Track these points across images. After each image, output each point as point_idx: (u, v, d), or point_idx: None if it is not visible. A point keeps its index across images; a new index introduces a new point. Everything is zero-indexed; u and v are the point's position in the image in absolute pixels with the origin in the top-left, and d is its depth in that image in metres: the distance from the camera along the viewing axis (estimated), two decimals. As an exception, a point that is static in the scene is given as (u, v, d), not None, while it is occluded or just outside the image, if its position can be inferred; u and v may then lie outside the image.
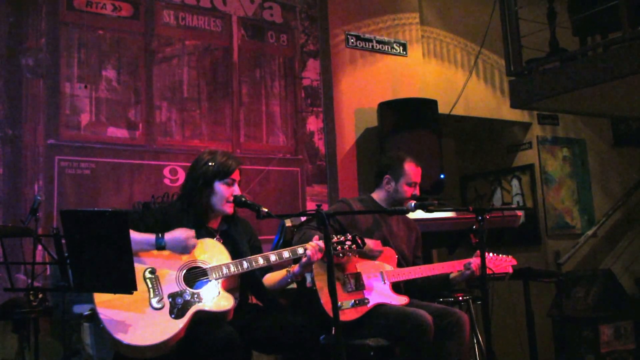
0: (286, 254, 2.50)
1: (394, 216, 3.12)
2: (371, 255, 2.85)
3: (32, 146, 3.48)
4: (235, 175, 2.56)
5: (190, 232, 2.40)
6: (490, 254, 3.07)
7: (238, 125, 4.16)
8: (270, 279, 2.61)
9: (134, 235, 2.29)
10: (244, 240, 2.61)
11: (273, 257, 2.48)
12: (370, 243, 2.82)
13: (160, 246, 2.36)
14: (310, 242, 2.51)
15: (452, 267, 3.01)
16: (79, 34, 3.69)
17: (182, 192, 2.63)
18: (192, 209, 2.53)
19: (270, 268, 2.62)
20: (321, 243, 2.47)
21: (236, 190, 2.56)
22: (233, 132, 4.14)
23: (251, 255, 2.50)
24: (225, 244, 2.53)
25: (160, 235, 2.37)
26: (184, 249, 2.39)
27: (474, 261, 2.90)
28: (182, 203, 2.57)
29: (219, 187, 2.52)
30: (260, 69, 4.29)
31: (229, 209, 2.55)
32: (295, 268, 2.53)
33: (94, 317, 2.33)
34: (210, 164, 2.53)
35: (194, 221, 2.52)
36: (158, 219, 2.50)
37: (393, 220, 3.11)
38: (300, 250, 2.51)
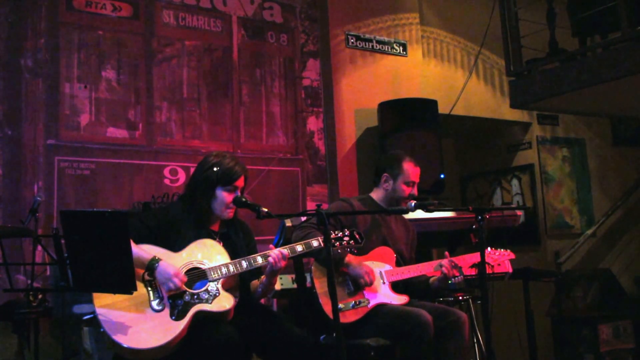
0: (285, 251, 2.48)
1: (392, 216, 3.11)
2: (361, 280, 2.79)
3: (31, 146, 3.48)
4: (239, 183, 2.54)
5: (180, 277, 2.31)
6: (489, 249, 3.07)
7: (238, 125, 4.16)
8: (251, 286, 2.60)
9: (132, 247, 2.26)
10: (243, 245, 2.61)
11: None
12: (362, 269, 2.78)
13: (151, 267, 2.31)
14: (272, 250, 2.47)
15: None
16: (79, 34, 3.69)
17: (184, 193, 2.63)
18: (193, 211, 2.53)
19: (260, 274, 2.60)
20: (284, 251, 2.45)
21: None
22: (233, 132, 4.14)
23: None
24: (225, 246, 2.53)
25: (156, 258, 2.32)
26: (165, 283, 2.30)
27: (445, 263, 2.87)
28: (183, 204, 2.57)
29: (221, 193, 2.51)
30: (260, 69, 4.29)
31: (228, 214, 2.54)
32: (264, 279, 2.50)
33: (94, 321, 2.32)
34: (215, 168, 2.50)
35: (195, 222, 2.52)
36: (160, 220, 2.49)
37: (392, 220, 3.11)
38: (299, 248, 2.49)
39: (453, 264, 2.89)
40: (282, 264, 2.44)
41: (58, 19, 3.64)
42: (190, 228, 2.50)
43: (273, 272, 2.45)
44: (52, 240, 2.44)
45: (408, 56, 4.94)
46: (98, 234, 2.14)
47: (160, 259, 2.33)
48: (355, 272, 2.79)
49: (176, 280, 2.30)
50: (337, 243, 2.60)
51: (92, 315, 2.65)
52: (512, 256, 3.14)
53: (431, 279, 2.99)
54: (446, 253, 2.95)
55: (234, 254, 2.51)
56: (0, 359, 3.13)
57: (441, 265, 2.89)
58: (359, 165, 4.58)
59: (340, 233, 2.63)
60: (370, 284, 2.80)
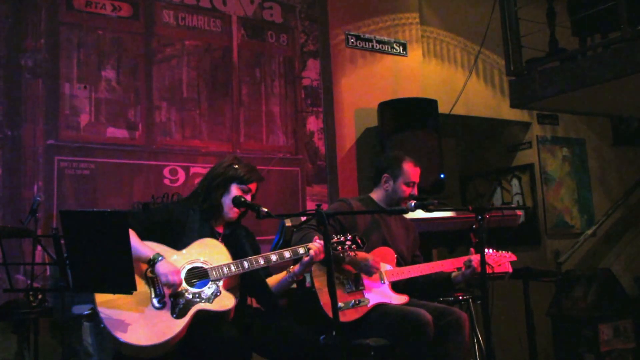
0: (287, 254, 2.51)
1: (392, 216, 3.12)
2: (366, 270, 2.79)
3: (31, 147, 3.48)
4: (253, 186, 2.60)
5: (179, 276, 2.33)
6: (490, 250, 3.08)
7: (238, 125, 4.16)
8: (271, 280, 2.62)
9: (136, 242, 2.29)
10: (247, 247, 2.62)
11: (274, 257, 2.49)
12: (368, 261, 2.78)
13: (151, 263, 2.32)
14: (313, 242, 2.52)
15: (451, 265, 3.01)
16: (79, 34, 3.69)
17: (195, 190, 2.65)
18: (202, 204, 2.54)
19: (269, 272, 2.62)
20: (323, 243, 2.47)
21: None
22: (233, 132, 4.14)
23: None
24: (227, 247, 2.54)
25: (159, 254, 2.33)
26: (166, 278, 2.31)
27: (475, 258, 2.90)
28: (190, 203, 2.59)
29: (234, 189, 2.55)
30: (260, 69, 4.29)
31: (234, 214, 2.57)
32: (296, 268, 2.54)
33: (94, 316, 2.33)
34: (235, 166, 2.59)
35: (200, 221, 2.53)
36: (165, 216, 2.51)
37: (392, 220, 3.11)
38: (301, 250, 2.52)
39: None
40: (322, 256, 2.49)
41: (58, 19, 3.64)
42: (194, 227, 2.51)
43: (311, 263, 2.52)
44: (51, 240, 2.44)
45: (408, 56, 4.94)
46: (98, 234, 2.14)
47: (163, 256, 2.34)
48: (363, 266, 2.78)
49: (175, 277, 2.31)
50: (340, 247, 2.61)
51: (92, 311, 2.66)
52: (514, 258, 3.14)
53: (453, 274, 2.99)
54: (472, 250, 2.94)
55: (237, 253, 2.51)
56: None
57: (471, 261, 2.89)
58: (359, 165, 4.58)
59: (343, 237, 2.64)
60: (377, 271, 2.81)
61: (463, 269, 2.95)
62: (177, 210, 2.55)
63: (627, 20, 3.75)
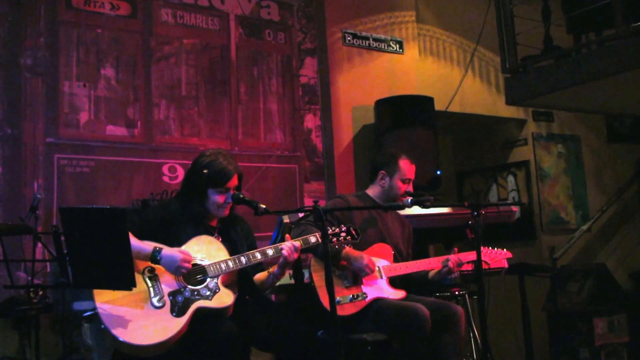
0: (270, 251, 2.49)
1: (388, 212, 3.15)
2: (358, 269, 2.81)
3: (31, 145, 3.50)
4: (231, 184, 2.52)
5: (188, 257, 2.35)
6: (487, 248, 3.11)
7: (236, 123, 4.18)
8: (256, 279, 2.62)
9: (133, 240, 2.29)
10: (242, 240, 2.63)
11: (270, 252, 2.49)
12: (363, 260, 2.81)
13: (154, 260, 2.33)
14: (284, 242, 2.49)
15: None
16: (78, 32, 3.70)
17: (180, 191, 2.65)
18: (189, 209, 2.55)
19: (261, 267, 2.63)
20: (296, 243, 2.48)
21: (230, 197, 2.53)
22: (231, 129, 4.16)
23: None
24: (223, 241, 2.55)
25: (158, 249, 2.34)
26: (176, 270, 2.34)
27: (452, 258, 2.93)
28: (180, 201, 2.59)
29: (213, 195, 2.51)
30: (257, 67, 4.32)
31: (223, 213, 2.55)
32: (275, 269, 2.52)
33: (94, 317, 2.34)
34: (205, 170, 2.50)
35: (192, 219, 2.54)
36: (159, 216, 2.52)
37: (388, 217, 3.15)
38: (270, 252, 2.49)
39: (459, 261, 2.92)
40: (295, 255, 2.47)
41: (57, 18, 3.65)
42: (188, 225, 2.52)
43: (286, 264, 2.47)
44: (52, 237, 2.47)
45: (404, 54, 4.97)
46: (97, 231, 2.16)
47: (162, 248, 2.35)
48: (357, 266, 2.82)
49: (186, 265, 2.34)
50: (335, 239, 2.63)
51: (92, 312, 2.68)
52: (509, 255, 3.18)
53: (430, 273, 3.03)
54: (455, 249, 2.98)
55: (232, 249, 2.53)
56: (1, 355, 3.15)
57: (448, 260, 2.92)
58: (356, 162, 4.61)
59: (337, 229, 2.66)
60: (372, 272, 2.83)
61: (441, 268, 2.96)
62: (169, 209, 2.54)
63: (621, 17, 3.79)
